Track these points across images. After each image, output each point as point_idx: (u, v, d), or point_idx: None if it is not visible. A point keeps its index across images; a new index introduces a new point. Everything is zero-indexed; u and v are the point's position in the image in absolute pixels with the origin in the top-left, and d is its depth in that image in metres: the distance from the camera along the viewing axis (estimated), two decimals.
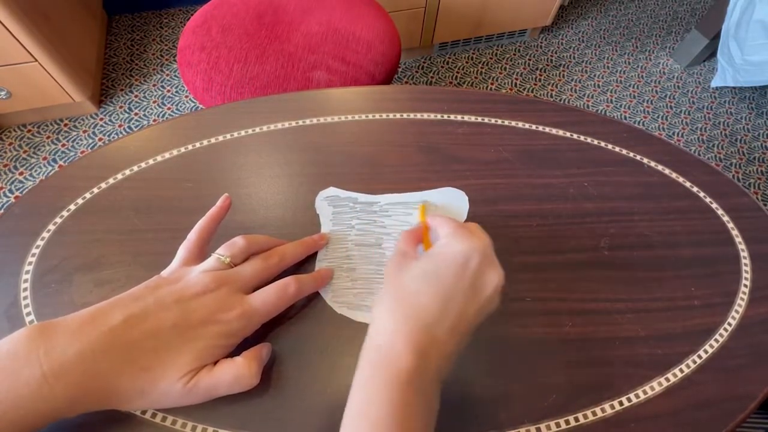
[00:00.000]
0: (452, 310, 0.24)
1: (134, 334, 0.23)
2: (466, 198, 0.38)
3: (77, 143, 1.11)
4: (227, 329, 0.26)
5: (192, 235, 0.29)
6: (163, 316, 0.24)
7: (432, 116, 0.44)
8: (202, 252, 0.29)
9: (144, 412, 0.27)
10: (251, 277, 0.28)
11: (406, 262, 0.26)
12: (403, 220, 0.37)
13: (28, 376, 0.21)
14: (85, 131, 1.13)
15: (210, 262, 0.28)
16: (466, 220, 0.37)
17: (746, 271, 0.37)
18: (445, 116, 0.44)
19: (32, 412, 0.21)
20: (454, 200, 0.38)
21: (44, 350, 0.21)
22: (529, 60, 1.40)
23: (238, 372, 0.25)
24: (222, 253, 0.28)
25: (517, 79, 1.35)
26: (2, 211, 0.64)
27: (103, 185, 0.37)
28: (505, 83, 1.34)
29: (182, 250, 0.29)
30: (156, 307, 0.25)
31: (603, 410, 0.29)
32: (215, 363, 0.26)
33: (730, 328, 0.33)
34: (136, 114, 1.17)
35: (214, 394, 0.25)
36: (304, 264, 0.34)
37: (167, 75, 1.25)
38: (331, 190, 0.38)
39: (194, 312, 0.25)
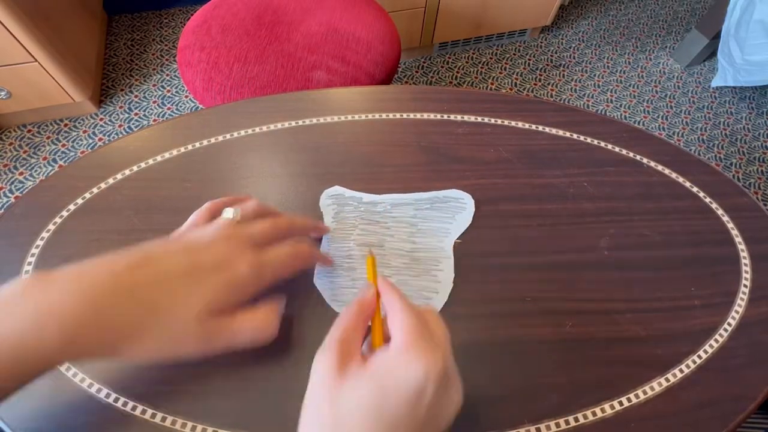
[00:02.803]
0: None
1: (139, 277, 0.22)
2: (472, 201, 0.38)
3: (77, 143, 1.11)
4: (237, 278, 0.24)
5: (206, 204, 0.29)
6: (171, 260, 0.23)
7: (432, 116, 0.44)
8: (211, 220, 0.29)
9: (144, 412, 0.27)
10: (261, 234, 0.27)
11: (344, 371, 0.20)
12: (407, 221, 0.37)
13: (20, 313, 0.19)
14: (85, 131, 1.13)
15: (219, 219, 0.28)
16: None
17: (746, 271, 0.37)
18: (445, 116, 0.44)
19: (25, 353, 0.19)
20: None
21: (40, 289, 0.20)
22: (529, 60, 1.40)
23: (258, 322, 0.25)
24: (232, 209, 0.28)
25: (517, 79, 1.35)
26: (2, 211, 0.64)
27: (103, 185, 0.37)
28: (505, 83, 1.34)
29: (192, 216, 0.29)
30: (163, 253, 0.23)
31: (603, 410, 0.29)
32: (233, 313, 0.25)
33: (730, 328, 0.33)
34: (136, 114, 1.17)
35: (233, 342, 0.24)
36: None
37: (167, 75, 1.25)
38: (336, 189, 0.38)
39: (204, 258, 0.24)
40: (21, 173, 1.05)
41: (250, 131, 0.41)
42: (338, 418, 0.19)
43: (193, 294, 0.23)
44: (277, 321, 0.26)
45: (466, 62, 1.37)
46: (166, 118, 1.17)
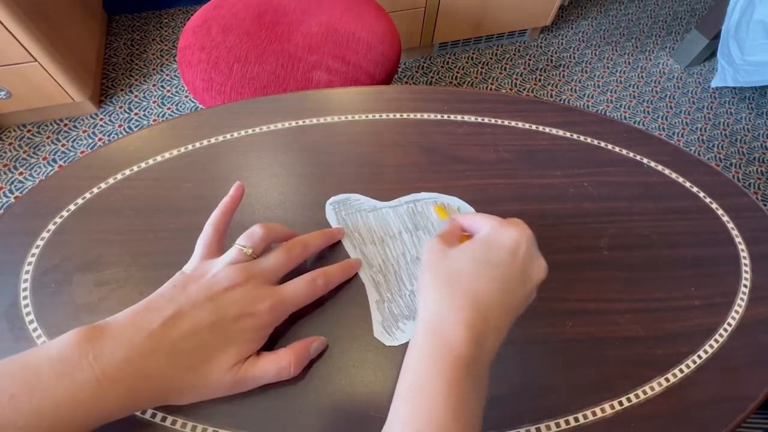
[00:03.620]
0: (507, 296, 0.24)
1: (174, 336, 0.24)
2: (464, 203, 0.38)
3: (77, 143, 1.11)
4: (260, 322, 0.26)
5: (208, 228, 0.29)
6: (199, 315, 0.25)
7: (432, 116, 0.44)
8: (220, 245, 0.29)
9: (144, 413, 0.27)
10: (276, 269, 0.29)
11: (449, 247, 0.27)
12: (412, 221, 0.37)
13: (82, 381, 0.21)
14: (85, 131, 1.13)
15: (232, 254, 0.28)
16: None
17: (746, 272, 0.37)
18: (445, 116, 0.44)
19: (88, 414, 0.21)
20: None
21: (93, 356, 0.22)
22: (529, 60, 1.40)
23: (280, 365, 0.27)
24: (243, 243, 0.28)
25: (517, 79, 1.35)
26: (2, 211, 0.64)
27: (103, 185, 0.37)
28: (505, 83, 1.34)
29: (201, 245, 0.29)
30: (190, 307, 0.25)
31: (603, 410, 0.29)
32: (258, 354, 0.27)
33: (730, 329, 0.33)
34: (136, 114, 1.17)
35: (260, 383, 0.27)
36: (322, 260, 0.34)
37: (167, 75, 1.25)
38: (339, 198, 0.37)
39: (228, 308, 0.26)
40: (21, 173, 1.05)
41: (250, 131, 0.41)
42: (453, 270, 0.25)
43: (224, 349, 0.25)
44: (299, 363, 0.28)
45: (466, 62, 1.37)
46: (166, 118, 1.17)
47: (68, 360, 0.21)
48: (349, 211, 0.37)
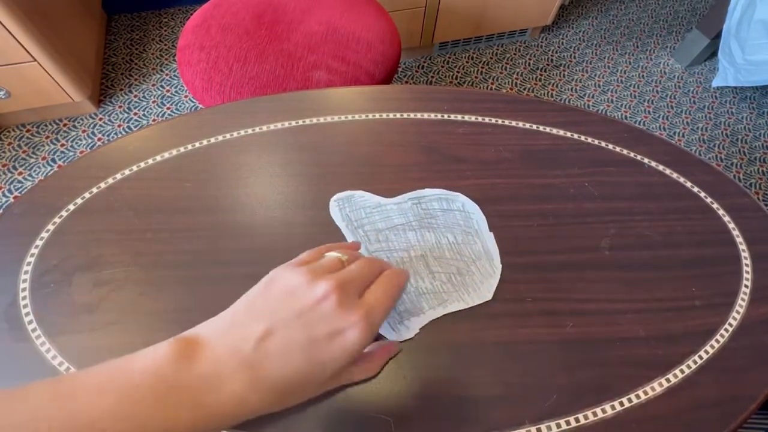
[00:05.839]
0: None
1: (265, 356, 0.23)
2: (468, 200, 0.38)
3: (76, 143, 1.11)
4: (353, 346, 0.24)
5: (324, 247, 0.30)
6: (291, 334, 0.23)
7: (432, 116, 0.44)
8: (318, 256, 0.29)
9: None
10: (360, 277, 0.26)
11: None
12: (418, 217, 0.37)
13: (176, 402, 0.20)
14: (84, 131, 1.13)
15: (327, 261, 0.27)
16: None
17: (747, 272, 0.36)
18: (446, 116, 0.44)
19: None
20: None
21: (199, 384, 0.21)
22: (530, 60, 1.40)
23: (369, 370, 0.29)
24: (337, 254, 0.28)
25: (517, 78, 1.35)
26: (1, 211, 0.64)
27: (102, 185, 0.37)
28: (505, 83, 1.34)
29: (306, 253, 0.29)
30: (282, 327, 0.23)
31: (603, 411, 0.29)
32: None
33: (731, 329, 0.33)
34: (135, 114, 1.17)
35: (348, 383, 0.29)
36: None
37: (167, 75, 1.24)
38: (344, 195, 0.38)
39: (318, 328, 0.24)
40: (20, 173, 1.05)
41: (249, 131, 0.41)
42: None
43: (315, 372, 0.24)
44: (382, 364, 0.29)
45: (467, 62, 1.37)
46: (166, 117, 1.17)
47: (165, 378, 0.20)
48: (354, 208, 0.37)
